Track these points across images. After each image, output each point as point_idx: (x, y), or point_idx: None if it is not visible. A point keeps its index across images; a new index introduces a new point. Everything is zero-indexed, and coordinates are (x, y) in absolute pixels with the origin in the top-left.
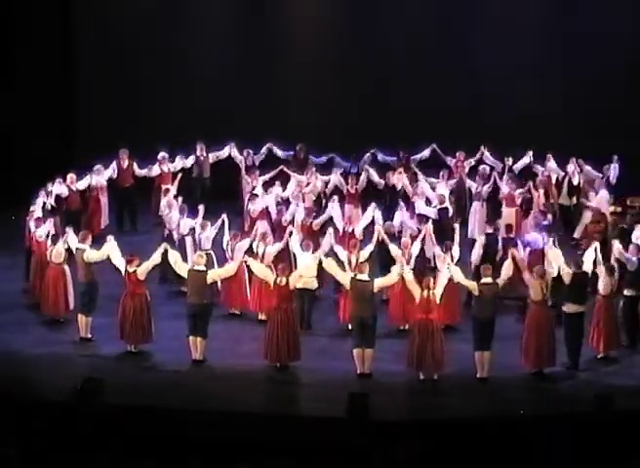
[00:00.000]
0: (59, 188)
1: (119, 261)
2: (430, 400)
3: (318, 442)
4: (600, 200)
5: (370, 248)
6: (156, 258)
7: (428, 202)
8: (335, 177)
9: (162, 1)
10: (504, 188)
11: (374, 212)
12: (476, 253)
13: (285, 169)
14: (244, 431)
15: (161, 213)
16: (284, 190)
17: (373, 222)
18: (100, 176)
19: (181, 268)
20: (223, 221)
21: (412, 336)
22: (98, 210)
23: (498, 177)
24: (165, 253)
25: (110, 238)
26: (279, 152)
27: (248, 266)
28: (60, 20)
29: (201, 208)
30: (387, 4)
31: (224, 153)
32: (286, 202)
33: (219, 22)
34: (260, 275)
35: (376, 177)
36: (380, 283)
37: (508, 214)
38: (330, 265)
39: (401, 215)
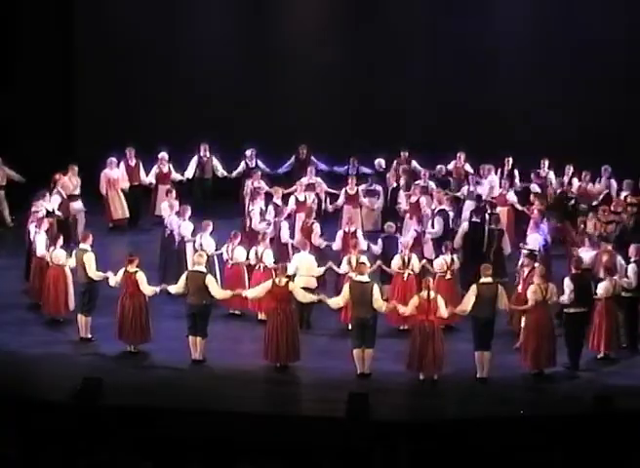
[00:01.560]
0: (56, 199)
1: (95, 274)
2: (430, 400)
3: (318, 442)
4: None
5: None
6: (152, 291)
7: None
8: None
9: (162, 0)
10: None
11: (368, 245)
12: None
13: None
14: (244, 431)
15: (161, 213)
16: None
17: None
18: (113, 170)
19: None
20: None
21: (412, 338)
22: (106, 202)
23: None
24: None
25: (110, 274)
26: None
27: (247, 267)
28: (59, 19)
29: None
30: (388, 3)
31: (239, 172)
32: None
33: (219, 22)
34: (259, 293)
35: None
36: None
37: (500, 213)
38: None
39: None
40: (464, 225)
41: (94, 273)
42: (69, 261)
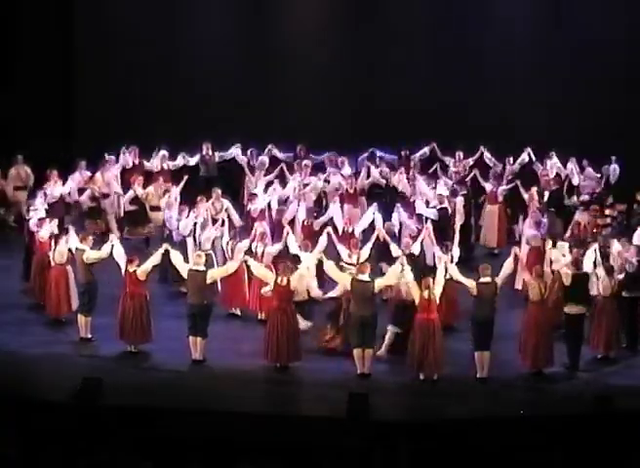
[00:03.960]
0: (54, 190)
1: (122, 258)
2: (430, 400)
3: (318, 442)
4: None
5: (369, 246)
6: (156, 259)
7: (427, 202)
8: (335, 178)
9: (162, 0)
10: (487, 186)
11: (374, 212)
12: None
13: (284, 169)
14: (244, 431)
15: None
16: (283, 188)
17: (373, 223)
18: (112, 167)
19: (184, 269)
20: (223, 221)
21: (413, 338)
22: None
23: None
24: (165, 254)
25: (113, 237)
26: (279, 154)
27: (247, 266)
28: (59, 19)
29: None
30: (388, 3)
31: (230, 154)
32: (285, 202)
33: (219, 22)
34: (260, 275)
35: (377, 175)
36: (380, 283)
37: (491, 211)
38: (330, 268)
39: (399, 216)
40: (460, 199)
41: (95, 254)
42: (71, 243)
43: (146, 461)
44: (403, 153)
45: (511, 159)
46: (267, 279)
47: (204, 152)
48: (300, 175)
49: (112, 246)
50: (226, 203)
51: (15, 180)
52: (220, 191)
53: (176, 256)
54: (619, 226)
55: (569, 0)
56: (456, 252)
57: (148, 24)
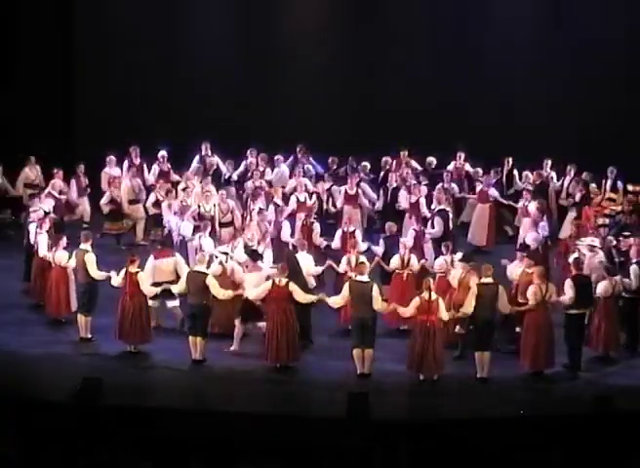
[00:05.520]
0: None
1: (97, 274)
2: (430, 400)
3: (318, 442)
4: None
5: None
6: (150, 291)
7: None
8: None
9: (162, 0)
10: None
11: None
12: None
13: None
14: (244, 431)
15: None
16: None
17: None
18: (113, 168)
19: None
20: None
21: (413, 338)
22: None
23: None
24: None
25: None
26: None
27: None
28: (59, 19)
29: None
30: (388, 3)
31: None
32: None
33: (219, 22)
34: (263, 292)
35: (365, 199)
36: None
37: (482, 210)
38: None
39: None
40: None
41: (96, 273)
42: (71, 262)
43: (146, 461)
44: (402, 154)
45: (510, 160)
46: (267, 290)
47: (203, 152)
48: (295, 175)
49: (109, 277)
50: (232, 204)
51: (129, 194)
52: (225, 192)
53: (173, 288)
54: (616, 226)
55: (569, 0)
56: (458, 254)
57: (148, 24)
